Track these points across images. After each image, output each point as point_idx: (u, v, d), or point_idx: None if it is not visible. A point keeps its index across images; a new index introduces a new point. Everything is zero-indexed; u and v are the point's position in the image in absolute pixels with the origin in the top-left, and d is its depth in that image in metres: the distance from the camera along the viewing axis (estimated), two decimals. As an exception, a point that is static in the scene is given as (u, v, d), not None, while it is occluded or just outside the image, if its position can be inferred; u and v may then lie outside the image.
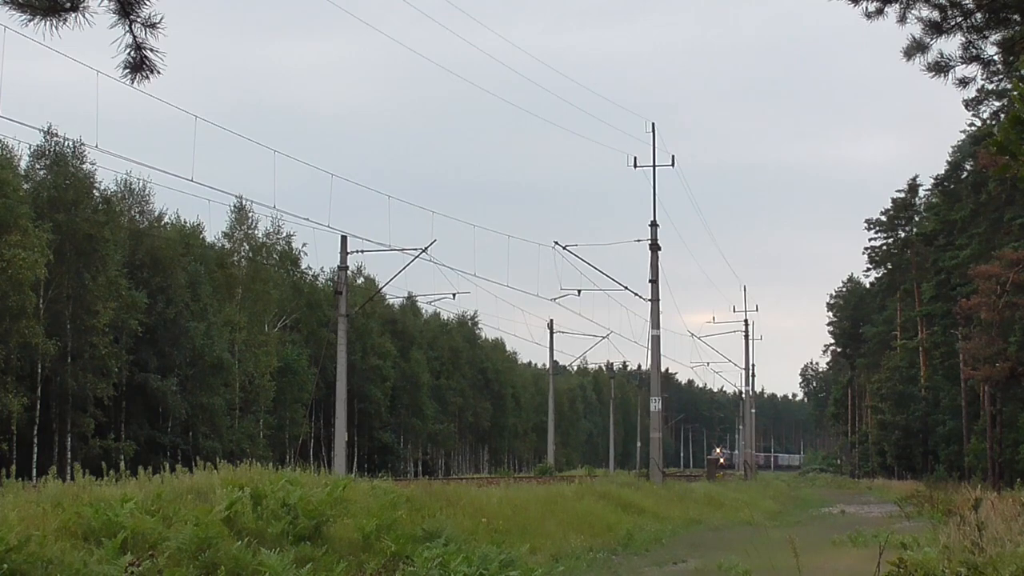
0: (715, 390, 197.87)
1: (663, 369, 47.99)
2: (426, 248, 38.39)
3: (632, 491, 32.85)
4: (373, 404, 76.48)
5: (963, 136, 63.66)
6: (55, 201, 46.96)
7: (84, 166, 48.12)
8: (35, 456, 45.25)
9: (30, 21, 5.76)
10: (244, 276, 61.92)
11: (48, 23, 5.78)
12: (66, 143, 47.60)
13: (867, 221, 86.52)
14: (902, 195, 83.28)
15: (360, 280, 77.54)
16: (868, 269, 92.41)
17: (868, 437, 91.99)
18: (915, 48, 9.27)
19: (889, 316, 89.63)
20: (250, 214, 62.10)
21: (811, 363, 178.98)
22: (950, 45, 9.31)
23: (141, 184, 56.69)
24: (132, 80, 6.19)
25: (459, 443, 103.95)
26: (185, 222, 61.20)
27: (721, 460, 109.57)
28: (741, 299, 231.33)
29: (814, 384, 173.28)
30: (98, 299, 46.70)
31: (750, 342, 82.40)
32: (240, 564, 12.57)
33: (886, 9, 9.27)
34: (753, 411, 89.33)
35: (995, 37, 9.29)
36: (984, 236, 55.52)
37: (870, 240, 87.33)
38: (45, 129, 47.29)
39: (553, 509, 24.15)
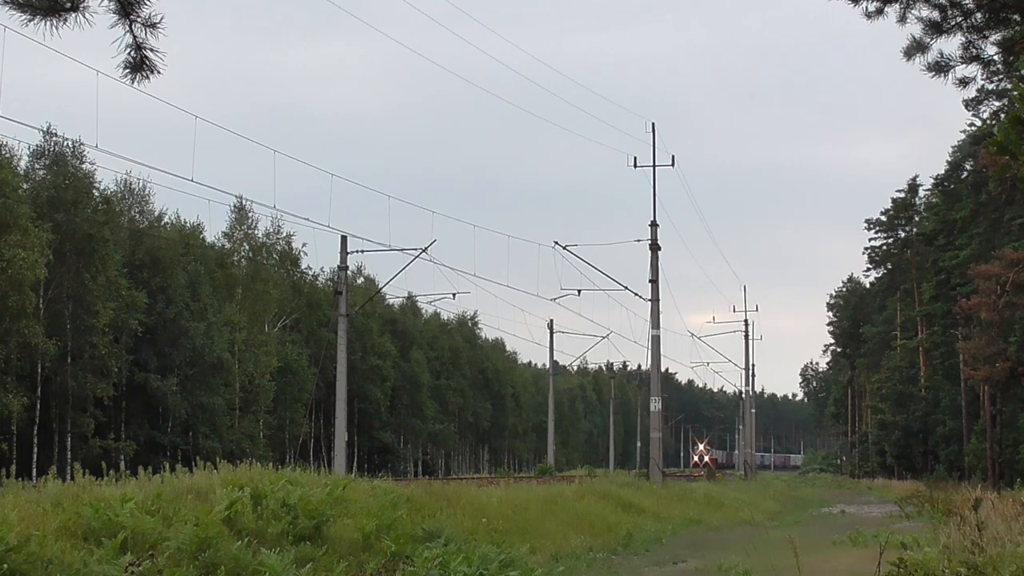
0: (715, 390, 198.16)
1: (663, 369, 48.01)
2: (426, 248, 38.44)
3: (632, 491, 32.85)
4: (373, 404, 76.48)
5: (963, 136, 63.69)
6: (55, 201, 46.95)
7: (84, 166, 48.18)
8: (35, 456, 45.24)
9: (30, 21, 5.76)
10: (244, 276, 61.92)
11: (48, 23, 5.77)
12: (65, 143, 47.66)
13: (867, 221, 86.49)
14: (902, 195, 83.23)
15: (360, 280, 77.56)
16: (868, 269, 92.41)
17: (868, 437, 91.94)
18: (915, 48, 9.27)
19: (889, 316, 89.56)
20: (250, 214, 62.19)
21: (811, 363, 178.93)
22: (950, 45, 9.32)
23: (141, 184, 56.79)
24: (132, 80, 6.19)
25: (459, 443, 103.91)
26: (185, 222, 61.30)
27: (707, 459, 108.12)
28: (741, 299, 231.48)
29: (814, 384, 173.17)
30: (98, 299, 46.69)
31: (750, 342, 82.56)
32: (240, 564, 12.57)
33: (886, 9, 9.27)
34: (753, 411, 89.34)
35: (995, 37, 9.29)
36: (984, 236, 55.49)
37: (870, 240, 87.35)
38: (44, 129, 47.36)
39: (553, 509, 24.16)
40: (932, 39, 9.24)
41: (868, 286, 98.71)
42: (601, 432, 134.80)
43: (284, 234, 65.40)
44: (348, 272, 40.88)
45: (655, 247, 44.38)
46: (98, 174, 53.74)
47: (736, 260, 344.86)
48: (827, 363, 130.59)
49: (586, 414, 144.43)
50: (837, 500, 51.09)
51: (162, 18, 6.02)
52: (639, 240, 45.00)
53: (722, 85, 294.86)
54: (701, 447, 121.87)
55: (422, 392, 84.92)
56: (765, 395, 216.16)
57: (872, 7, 9.25)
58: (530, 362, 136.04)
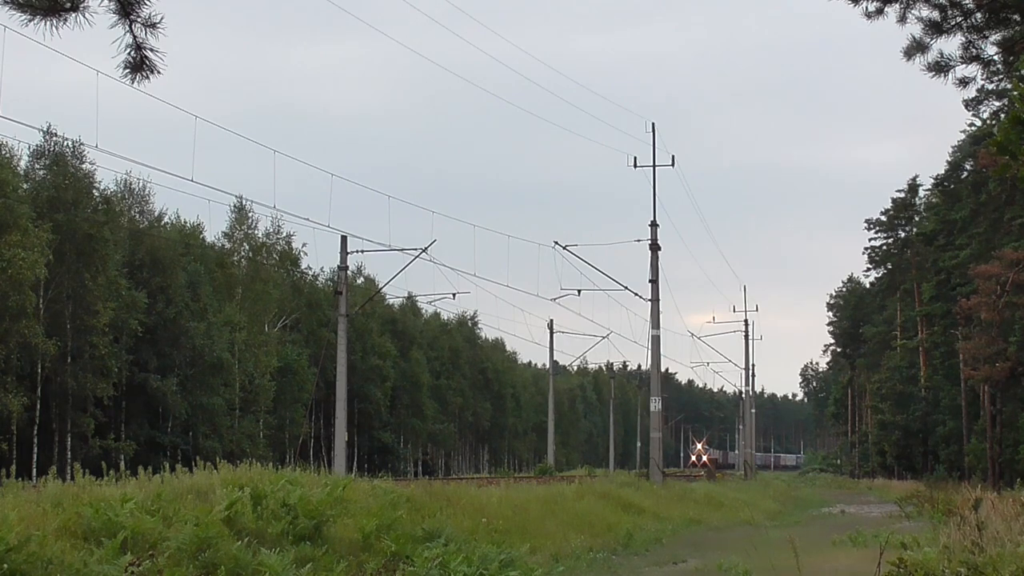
0: (715, 390, 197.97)
1: (663, 369, 48.01)
2: (426, 248, 38.43)
3: (632, 491, 32.84)
4: (373, 404, 76.47)
5: (963, 136, 63.64)
6: (55, 201, 46.94)
7: (84, 166, 48.18)
8: (35, 456, 45.25)
9: (30, 21, 5.76)
10: (244, 276, 61.92)
11: (48, 23, 5.77)
12: (65, 143, 47.66)
13: (867, 221, 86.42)
14: (902, 195, 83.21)
15: (360, 280, 77.55)
16: (868, 269, 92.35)
17: (868, 437, 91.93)
18: (915, 48, 9.27)
19: (889, 316, 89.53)
20: (250, 214, 62.20)
21: (811, 363, 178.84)
22: (950, 45, 9.33)
23: (141, 184, 56.82)
24: (132, 80, 6.18)
25: (459, 443, 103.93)
26: (185, 222, 61.31)
27: (705, 458, 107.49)
28: (741, 299, 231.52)
29: (814, 384, 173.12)
30: (98, 299, 46.69)
31: (750, 342, 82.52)
32: (240, 564, 12.57)
33: (886, 9, 9.28)
34: (753, 411, 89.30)
35: (995, 37, 9.30)
36: (984, 236, 55.47)
37: (870, 240, 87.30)
38: (44, 129, 47.35)
39: (553, 509, 24.16)
40: (932, 39, 9.25)
41: (868, 286, 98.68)
42: (601, 432, 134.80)
43: (284, 234, 65.49)
44: (348, 272, 40.87)
45: (655, 247, 44.37)
46: (98, 174, 53.83)
47: (736, 260, 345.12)
48: (827, 363, 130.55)
49: (586, 414, 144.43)
50: (837, 500, 51.07)
51: (162, 18, 6.02)
52: (639, 240, 45.04)
53: (722, 85, 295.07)
54: (699, 446, 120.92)
55: (422, 392, 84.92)
56: (765, 395, 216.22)
57: (872, 7, 9.25)
58: (530, 362, 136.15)
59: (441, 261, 77.33)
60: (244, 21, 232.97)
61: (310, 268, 73.63)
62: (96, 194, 49.68)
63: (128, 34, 6.03)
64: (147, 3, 5.99)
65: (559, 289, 53.78)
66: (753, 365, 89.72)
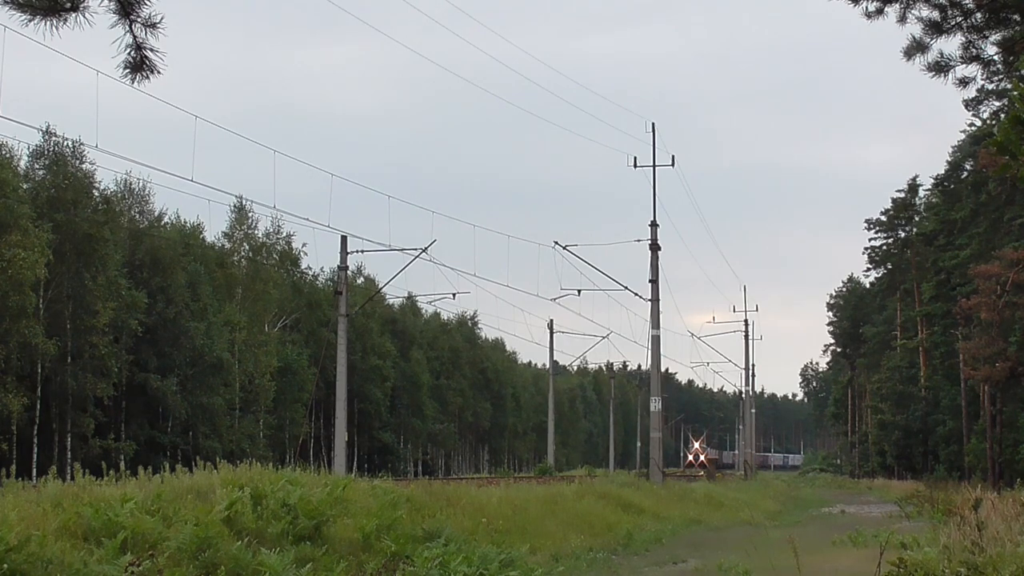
0: (715, 390, 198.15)
1: (663, 369, 48.00)
2: (426, 248, 38.43)
3: (632, 491, 32.85)
4: (373, 404, 76.49)
5: (963, 136, 63.64)
6: (55, 201, 46.95)
7: (84, 166, 48.18)
8: (35, 456, 45.25)
9: (30, 21, 5.76)
10: (244, 276, 61.93)
11: (48, 23, 5.77)
12: (65, 143, 47.66)
13: (867, 221, 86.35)
14: (902, 195, 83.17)
15: (360, 280, 77.56)
16: (868, 269, 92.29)
17: (868, 437, 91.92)
18: (915, 48, 9.27)
19: (889, 316, 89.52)
20: (250, 214, 62.22)
21: (811, 363, 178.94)
22: (950, 45, 9.32)
23: (141, 184, 56.82)
24: (132, 80, 6.18)
25: (459, 443, 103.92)
26: (185, 222, 61.32)
27: (703, 458, 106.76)
28: (741, 299, 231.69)
29: (814, 384, 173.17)
30: (98, 299, 46.69)
31: (750, 342, 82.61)
32: (240, 564, 12.57)
33: (886, 9, 9.27)
34: (753, 411, 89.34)
35: (995, 37, 9.29)
36: (984, 236, 55.45)
37: (870, 240, 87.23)
38: (44, 129, 47.34)
39: (553, 509, 24.16)
40: (932, 39, 9.24)
41: (868, 286, 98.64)
42: (601, 432, 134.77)
43: (284, 234, 65.56)
44: (348, 272, 40.88)
45: (655, 247, 44.38)
46: (98, 174, 53.82)
47: (736, 260, 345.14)
48: (827, 363, 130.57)
49: (586, 414, 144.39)
50: (837, 500, 51.05)
51: (162, 18, 6.02)
52: (639, 240, 45.05)
53: (722, 85, 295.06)
54: (696, 445, 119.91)
55: (422, 392, 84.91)
56: (765, 395, 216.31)
57: (872, 7, 9.25)
58: (530, 362, 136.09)
59: (441, 261, 77.45)
60: (244, 21, 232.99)
61: (310, 268, 73.80)
62: (96, 194, 49.68)
63: (128, 34, 6.03)
64: (147, 3, 5.99)
65: (559, 289, 53.91)
66: (753, 365, 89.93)
